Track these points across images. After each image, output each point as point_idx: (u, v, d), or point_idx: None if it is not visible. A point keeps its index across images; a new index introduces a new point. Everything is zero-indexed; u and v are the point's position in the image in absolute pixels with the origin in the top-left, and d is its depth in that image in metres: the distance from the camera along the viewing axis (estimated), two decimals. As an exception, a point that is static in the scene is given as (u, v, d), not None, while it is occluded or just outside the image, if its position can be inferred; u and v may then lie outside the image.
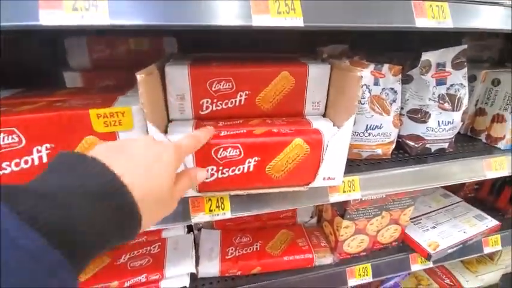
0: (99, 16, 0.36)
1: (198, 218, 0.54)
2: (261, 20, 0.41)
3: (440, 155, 0.73)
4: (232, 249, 0.77)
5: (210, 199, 0.54)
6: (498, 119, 0.79)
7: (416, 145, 0.71)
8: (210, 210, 0.54)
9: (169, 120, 0.56)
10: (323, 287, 0.76)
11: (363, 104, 0.63)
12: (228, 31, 0.43)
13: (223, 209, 0.55)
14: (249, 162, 0.49)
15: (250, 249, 0.77)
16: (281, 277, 0.74)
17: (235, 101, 0.56)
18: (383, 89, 0.64)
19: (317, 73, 0.56)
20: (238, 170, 0.49)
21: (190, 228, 0.81)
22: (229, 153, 0.47)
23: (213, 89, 0.54)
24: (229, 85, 0.54)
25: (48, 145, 0.43)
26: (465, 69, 0.67)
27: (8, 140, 0.41)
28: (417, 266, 0.83)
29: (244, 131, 0.50)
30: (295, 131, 0.50)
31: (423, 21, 0.49)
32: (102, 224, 0.25)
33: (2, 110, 0.42)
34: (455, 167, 0.70)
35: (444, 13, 0.50)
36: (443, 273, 1.09)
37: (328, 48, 0.71)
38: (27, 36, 0.69)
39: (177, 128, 0.52)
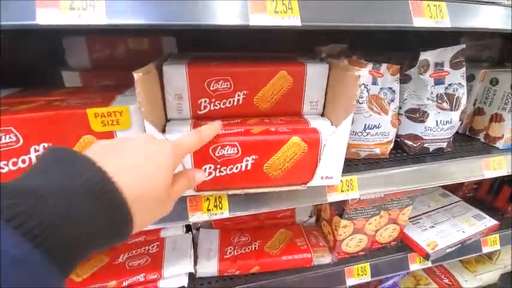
0: (96, 16, 0.36)
1: (196, 217, 0.54)
2: (259, 20, 0.41)
3: (439, 155, 0.73)
4: (230, 248, 0.77)
5: (208, 198, 0.54)
6: (496, 118, 0.79)
7: (415, 145, 0.71)
8: (208, 210, 0.54)
9: (167, 120, 0.56)
10: (321, 286, 0.76)
11: (361, 103, 0.63)
12: (226, 31, 0.43)
13: (221, 209, 0.55)
14: (247, 160, 0.49)
15: (248, 248, 0.77)
16: (279, 277, 0.74)
17: (233, 100, 0.56)
18: (381, 89, 0.64)
19: (315, 72, 0.56)
20: (236, 168, 0.49)
21: (188, 228, 0.81)
22: (227, 151, 0.47)
23: (211, 88, 0.54)
24: (227, 84, 0.54)
25: (45, 144, 0.43)
26: (463, 69, 0.67)
27: (5, 139, 0.41)
28: (416, 265, 0.83)
29: (242, 129, 0.50)
30: (293, 129, 0.50)
31: (421, 21, 0.49)
32: (91, 224, 0.24)
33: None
34: (454, 166, 0.70)
35: (442, 13, 0.50)
36: (442, 272, 1.09)
37: (327, 48, 0.71)
38: (25, 35, 0.69)
39: (175, 128, 0.52)
